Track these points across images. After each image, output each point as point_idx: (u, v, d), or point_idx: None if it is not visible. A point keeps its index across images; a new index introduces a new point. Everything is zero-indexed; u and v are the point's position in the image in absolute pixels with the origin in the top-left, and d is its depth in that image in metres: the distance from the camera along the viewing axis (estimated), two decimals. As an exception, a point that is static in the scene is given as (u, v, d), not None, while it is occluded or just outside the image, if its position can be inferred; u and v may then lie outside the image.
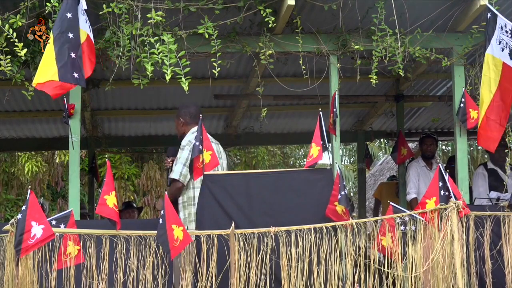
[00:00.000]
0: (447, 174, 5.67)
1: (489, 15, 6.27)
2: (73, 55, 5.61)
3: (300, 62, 6.53)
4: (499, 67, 6.28)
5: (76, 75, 5.63)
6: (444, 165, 7.13)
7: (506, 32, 6.23)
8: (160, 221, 5.24)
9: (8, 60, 6.01)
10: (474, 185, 8.07)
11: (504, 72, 6.29)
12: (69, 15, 5.61)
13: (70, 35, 5.61)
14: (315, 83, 6.71)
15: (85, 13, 5.72)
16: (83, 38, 5.72)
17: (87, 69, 5.76)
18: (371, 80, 6.57)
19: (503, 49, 6.24)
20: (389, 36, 6.50)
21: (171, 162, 6.31)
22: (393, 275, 5.50)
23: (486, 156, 11.26)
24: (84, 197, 12.46)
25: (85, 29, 5.74)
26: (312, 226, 5.55)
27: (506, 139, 6.82)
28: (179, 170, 6.11)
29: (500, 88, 6.36)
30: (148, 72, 6.07)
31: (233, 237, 5.42)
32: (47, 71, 5.61)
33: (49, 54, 5.61)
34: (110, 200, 5.32)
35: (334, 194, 5.84)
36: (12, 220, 4.98)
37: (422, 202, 5.75)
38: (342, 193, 5.72)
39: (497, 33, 6.23)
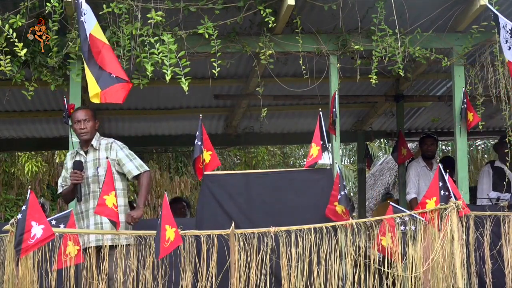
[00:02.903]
0: (447, 174, 5.67)
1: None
2: (96, 61, 5.60)
3: (300, 62, 6.53)
4: (506, 66, 6.29)
5: (113, 75, 5.58)
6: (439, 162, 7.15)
7: (507, 32, 6.23)
8: (159, 221, 5.24)
9: (8, 60, 6.01)
10: (479, 183, 8.10)
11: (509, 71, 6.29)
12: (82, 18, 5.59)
13: (85, 47, 5.60)
14: (315, 83, 6.71)
15: (86, 13, 5.66)
16: (102, 40, 5.68)
17: (119, 69, 5.66)
18: (371, 80, 6.57)
19: (510, 48, 6.23)
20: (389, 36, 6.50)
21: (82, 174, 5.77)
22: (393, 275, 5.50)
23: (486, 155, 11.31)
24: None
25: (98, 33, 5.69)
26: (312, 226, 5.55)
27: (506, 139, 6.84)
28: (140, 162, 5.90)
29: None
30: (148, 72, 6.07)
31: (233, 237, 5.42)
32: (91, 85, 5.60)
33: (86, 69, 5.62)
34: (110, 200, 5.32)
35: (334, 194, 5.84)
36: (12, 220, 4.96)
37: (422, 202, 5.75)
38: (342, 193, 5.72)
39: (502, 32, 6.21)
